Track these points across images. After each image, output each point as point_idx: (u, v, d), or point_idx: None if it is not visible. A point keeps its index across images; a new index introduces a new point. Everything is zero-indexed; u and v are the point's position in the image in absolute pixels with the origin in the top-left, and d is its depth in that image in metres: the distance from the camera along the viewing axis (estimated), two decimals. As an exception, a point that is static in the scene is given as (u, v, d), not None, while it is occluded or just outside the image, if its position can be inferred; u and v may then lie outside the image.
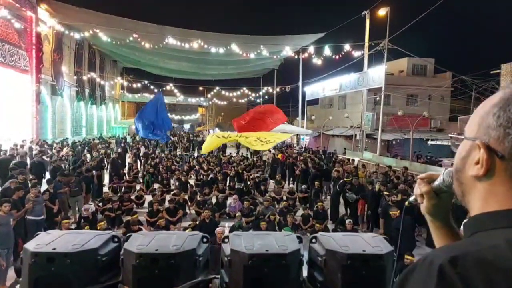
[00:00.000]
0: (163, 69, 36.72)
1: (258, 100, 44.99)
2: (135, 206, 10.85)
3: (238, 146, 25.58)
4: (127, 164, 16.82)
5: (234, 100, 45.25)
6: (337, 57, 24.56)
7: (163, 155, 19.76)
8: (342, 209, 11.10)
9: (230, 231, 7.12)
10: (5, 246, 6.27)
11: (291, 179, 15.45)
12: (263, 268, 1.75)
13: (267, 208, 9.85)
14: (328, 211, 10.58)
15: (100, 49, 31.56)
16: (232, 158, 18.66)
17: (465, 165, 0.73)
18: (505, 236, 0.59)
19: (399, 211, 7.73)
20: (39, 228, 7.24)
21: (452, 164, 0.81)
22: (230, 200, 11.15)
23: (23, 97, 18.77)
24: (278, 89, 38.66)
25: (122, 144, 23.95)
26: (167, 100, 29.68)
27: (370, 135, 25.19)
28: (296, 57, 29.66)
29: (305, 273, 2.00)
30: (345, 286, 1.77)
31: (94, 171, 12.12)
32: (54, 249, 1.69)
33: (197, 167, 15.99)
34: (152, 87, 41.40)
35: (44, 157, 13.49)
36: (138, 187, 12.85)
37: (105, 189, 12.54)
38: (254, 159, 19.04)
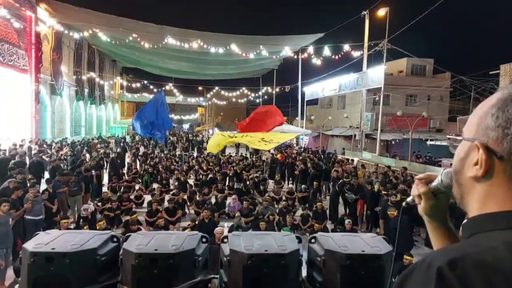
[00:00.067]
0: (162, 69, 36.71)
1: (257, 100, 44.99)
2: (134, 206, 10.84)
3: (237, 146, 25.58)
4: (126, 164, 16.83)
5: (234, 100, 45.25)
6: (337, 57, 24.57)
7: (162, 155, 19.76)
8: (341, 209, 11.11)
9: (229, 231, 7.11)
10: (4, 245, 6.26)
11: (290, 179, 15.45)
12: (262, 268, 1.75)
13: (266, 208, 9.84)
14: (327, 211, 10.59)
15: (99, 49, 31.53)
16: (232, 158, 18.66)
17: (463, 166, 0.73)
18: (504, 238, 0.59)
19: (397, 211, 7.74)
20: (38, 228, 7.24)
21: (451, 164, 0.81)
22: (229, 200, 11.15)
23: (22, 96, 18.74)
24: (277, 89, 38.67)
25: (122, 144, 23.95)
26: (166, 100, 29.66)
27: (369, 135, 25.21)
28: (295, 57, 29.66)
29: (304, 273, 2.00)
30: (344, 286, 1.77)
31: (93, 171, 12.11)
32: (53, 249, 1.69)
33: (196, 167, 15.99)
34: (151, 87, 41.39)
35: (43, 156, 13.49)
36: (137, 187, 12.84)
37: (104, 189, 12.54)
38: (254, 159, 19.05)
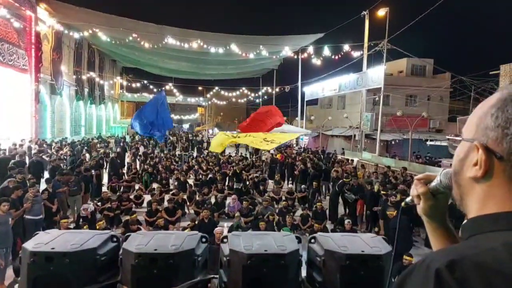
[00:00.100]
0: (162, 69, 36.71)
1: (257, 100, 45.01)
2: (134, 205, 10.83)
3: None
4: (126, 163, 16.83)
5: (234, 100, 45.26)
6: (337, 57, 24.57)
7: (162, 154, 19.76)
8: (341, 210, 11.11)
9: (229, 231, 7.12)
10: (3, 245, 6.26)
11: (290, 179, 15.45)
12: (262, 268, 1.75)
13: (266, 208, 9.84)
14: (327, 211, 10.59)
15: (99, 49, 31.53)
16: (231, 158, 18.66)
17: (463, 167, 0.72)
18: (503, 239, 0.59)
19: (396, 212, 7.75)
20: (38, 228, 7.24)
21: (451, 165, 0.81)
22: (229, 200, 11.15)
23: (22, 96, 18.73)
24: (277, 89, 38.68)
25: (121, 144, 23.94)
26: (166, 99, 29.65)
27: (369, 135, 25.21)
28: (295, 57, 29.66)
29: (304, 273, 2.00)
30: (344, 287, 1.77)
31: (93, 171, 12.11)
32: (53, 248, 1.69)
33: (196, 167, 15.99)
34: (151, 86, 41.40)
35: (43, 156, 13.49)
36: (137, 186, 12.84)
37: (104, 188, 12.54)
38: (253, 159, 19.05)
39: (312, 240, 2.03)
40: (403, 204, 1.08)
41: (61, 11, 21.11)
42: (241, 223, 8.79)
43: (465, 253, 0.58)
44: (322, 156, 20.50)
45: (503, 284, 0.52)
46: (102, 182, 13.29)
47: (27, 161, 12.78)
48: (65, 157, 14.92)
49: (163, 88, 31.43)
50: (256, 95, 43.68)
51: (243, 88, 42.13)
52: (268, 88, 40.16)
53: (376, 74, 21.01)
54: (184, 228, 8.24)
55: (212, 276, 1.92)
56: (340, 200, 11.28)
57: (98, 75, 31.47)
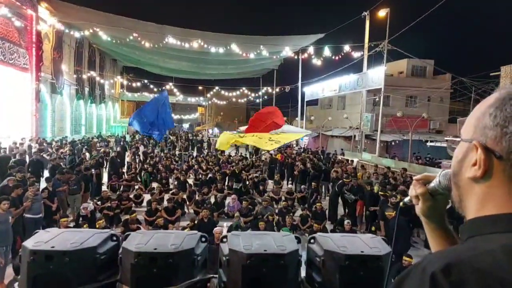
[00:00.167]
0: (163, 68, 36.71)
1: (257, 100, 45.02)
2: (133, 205, 10.83)
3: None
4: (126, 163, 16.82)
5: (234, 100, 45.26)
6: (337, 58, 24.58)
7: (162, 154, 19.76)
8: (340, 210, 11.12)
9: (228, 231, 7.12)
10: (3, 243, 6.27)
11: (289, 179, 15.45)
12: (262, 268, 1.75)
13: (266, 208, 9.85)
14: (327, 212, 10.59)
15: (100, 48, 31.54)
16: (231, 157, 18.66)
17: (462, 167, 0.71)
18: (502, 241, 0.58)
19: (395, 212, 7.75)
20: (37, 226, 7.25)
21: (450, 165, 0.80)
22: (228, 200, 11.15)
23: (22, 95, 18.74)
24: (277, 89, 38.68)
25: (121, 143, 23.94)
26: (166, 99, 29.67)
27: (369, 136, 25.21)
28: (295, 57, 29.66)
29: (303, 273, 2.01)
30: (343, 287, 1.77)
31: (93, 170, 12.11)
32: (52, 247, 1.70)
33: (195, 166, 15.99)
34: (151, 86, 41.44)
35: (44, 155, 13.49)
36: (136, 186, 12.85)
37: (104, 187, 12.54)
38: (253, 159, 19.04)
39: (312, 240, 2.03)
40: (401, 204, 1.08)
41: (62, 10, 21.12)
42: (240, 223, 8.79)
43: (462, 256, 0.57)
44: (322, 156, 20.50)
45: None
46: (102, 181, 13.29)
47: (27, 159, 12.78)
48: (64, 156, 14.92)
49: (164, 88, 31.43)
50: (256, 95, 43.69)
51: (243, 88, 42.15)
52: (268, 88, 40.17)
53: (376, 75, 21.00)
54: (183, 228, 8.24)
55: (212, 275, 1.92)
56: (340, 200, 11.28)
57: (98, 74, 31.48)
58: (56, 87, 22.55)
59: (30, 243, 1.72)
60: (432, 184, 0.90)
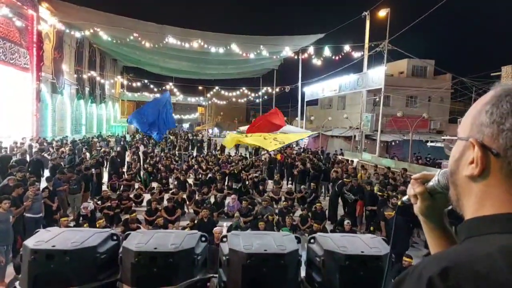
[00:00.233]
0: (163, 68, 36.72)
1: (257, 100, 45.03)
2: (133, 204, 10.83)
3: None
4: (126, 162, 16.82)
5: (234, 100, 45.28)
6: (337, 58, 24.58)
7: (162, 154, 19.76)
8: (340, 210, 11.11)
9: (228, 231, 7.12)
10: (4, 243, 6.27)
11: (289, 179, 15.45)
12: (262, 268, 1.75)
13: (266, 208, 9.84)
14: (327, 212, 10.59)
15: (100, 48, 31.55)
16: (231, 157, 18.65)
17: (459, 166, 0.71)
18: (500, 243, 0.57)
19: (393, 212, 7.75)
20: (38, 226, 7.25)
21: (449, 165, 0.79)
22: (228, 200, 11.15)
23: (23, 95, 18.76)
24: (277, 89, 38.68)
25: (122, 143, 23.94)
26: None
27: (369, 136, 25.19)
28: (295, 57, 29.66)
29: (303, 273, 2.01)
30: (343, 287, 1.77)
31: (93, 169, 12.12)
32: (53, 246, 1.70)
33: (195, 166, 15.98)
34: (152, 86, 41.45)
35: (45, 154, 13.50)
36: (136, 185, 12.85)
37: (104, 187, 12.53)
38: (253, 159, 19.04)
39: (312, 240, 2.04)
40: (399, 203, 1.06)
41: (63, 10, 21.14)
42: (240, 223, 8.79)
43: (459, 259, 0.56)
44: (321, 156, 20.50)
45: None
46: (102, 181, 13.29)
47: (28, 159, 12.79)
48: (64, 156, 14.93)
49: (166, 89, 31.42)
50: (256, 95, 43.70)
51: (243, 88, 42.16)
52: (268, 88, 40.17)
53: (376, 75, 21.00)
54: (183, 228, 8.24)
55: (212, 275, 1.93)
56: (340, 200, 11.27)
57: (99, 74, 31.48)
58: (57, 87, 22.55)
59: (31, 242, 1.72)
60: (431, 183, 0.89)
